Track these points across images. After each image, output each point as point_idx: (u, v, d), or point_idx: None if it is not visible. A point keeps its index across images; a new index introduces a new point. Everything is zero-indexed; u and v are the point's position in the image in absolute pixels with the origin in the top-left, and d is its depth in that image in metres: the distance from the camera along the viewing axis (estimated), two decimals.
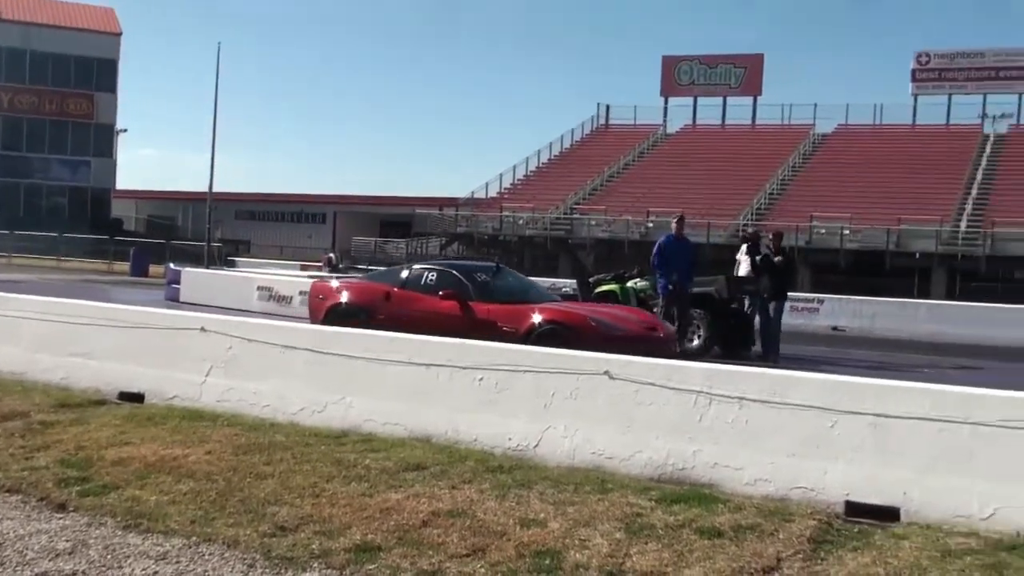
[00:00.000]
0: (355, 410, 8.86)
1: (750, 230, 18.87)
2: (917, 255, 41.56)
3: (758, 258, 16.28)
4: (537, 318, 12.90)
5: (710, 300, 16.17)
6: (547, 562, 5.54)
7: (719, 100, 59.24)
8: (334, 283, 15.61)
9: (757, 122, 57.89)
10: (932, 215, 41.91)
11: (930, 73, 54.56)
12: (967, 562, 5.62)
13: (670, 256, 15.31)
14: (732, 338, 16.05)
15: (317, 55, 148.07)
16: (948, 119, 54.12)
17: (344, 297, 14.64)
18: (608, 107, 62.21)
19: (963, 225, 43.04)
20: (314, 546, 5.65)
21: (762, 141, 54.52)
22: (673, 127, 60.35)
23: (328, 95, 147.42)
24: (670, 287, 15.20)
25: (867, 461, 6.81)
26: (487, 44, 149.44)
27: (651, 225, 44.17)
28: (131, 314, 11.10)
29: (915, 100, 54.95)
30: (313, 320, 14.34)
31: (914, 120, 54.80)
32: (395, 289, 14.22)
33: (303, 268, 36.24)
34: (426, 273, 14.27)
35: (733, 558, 5.64)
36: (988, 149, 50.67)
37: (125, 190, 74.57)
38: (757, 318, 16.13)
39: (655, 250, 15.65)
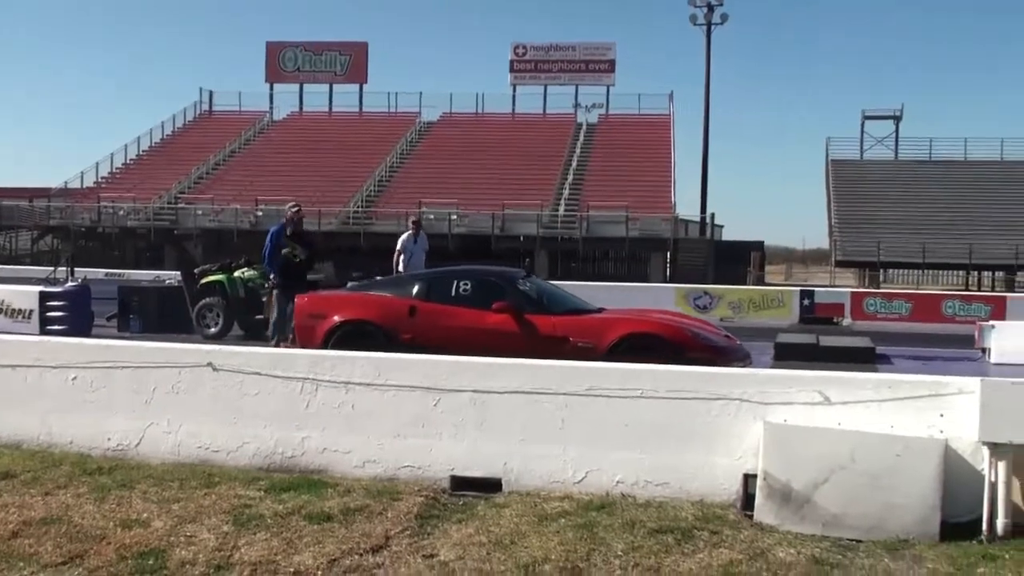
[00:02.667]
0: None
1: (413, 218, 18.86)
2: (521, 238, 43.78)
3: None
4: (623, 330, 11.05)
5: (222, 288, 16.50)
6: (151, 562, 5.40)
7: (325, 87, 59.19)
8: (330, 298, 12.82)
9: (364, 110, 58.29)
10: (533, 200, 44.15)
11: (527, 64, 57.07)
12: (561, 524, 6.03)
13: (284, 245, 14.99)
14: (250, 322, 16.04)
15: None
16: (545, 108, 56.83)
17: (351, 314, 11.91)
18: (211, 93, 60.47)
19: (562, 209, 45.64)
20: None
21: (369, 128, 55.07)
22: (279, 114, 59.57)
23: None
24: None
25: (469, 436, 7.12)
26: (73, 25, 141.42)
27: (260, 214, 43.55)
28: None
29: (514, 90, 57.37)
30: (305, 345, 11.66)
31: (513, 109, 57.16)
32: (419, 302, 11.87)
33: None
34: (456, 282, 12.03)
35: (343, 540, 5.73)
36: (582, 137, 53.83)
37: None
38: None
39: (268, 239, 15.30)
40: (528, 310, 11.51)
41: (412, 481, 6.97)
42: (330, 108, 58.99)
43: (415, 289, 12.15)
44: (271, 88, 59.83)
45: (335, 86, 59.08)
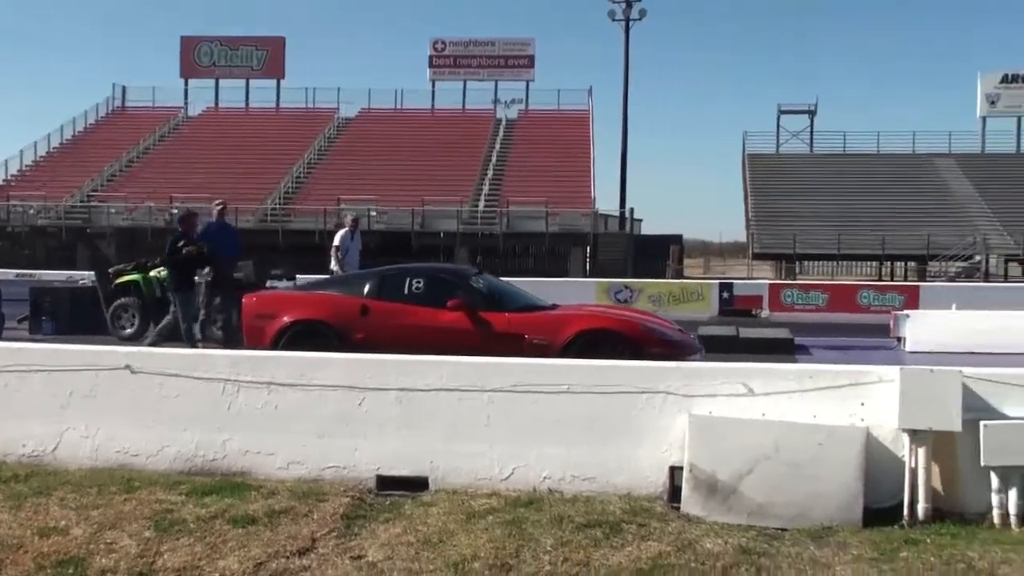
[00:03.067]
0: None
1: (350, 216, 18.62)
2: (441, 234, 43.70)
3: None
4: (579, 327, 10.96)
5: (138, 288, 16.20)
6: (70, 571, 5.30)
7: (242, 82, 58.42)
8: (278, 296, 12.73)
9: (281, 105, 57.70)
10: (453, 196, 44.14)
11: (446, 60, 57.00)
12: (490, 521, 6.01)
13: (214, 243, 14.57)
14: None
15: None
16: (464, 104, 56.89)
17: (302, 313, 11.70)
18: (124, 88, 59.29)
19: (482, 205, 45.70)
20: None
21: (287, 124, 54.48)
22: (195, 110, 58.70)
23: None
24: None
25: (394, 435, 7.06)
26: None
27: (175, 212, 42.81)
28: None
29: (433, 85, 57.23)
30: (253, 345, 11.34)
31: (433, 105, 57.05)
32: (371, 301, 11.65)
33: None
34: (408, 280, 11.82)
35: (268, 543, 5.65)
36: (501, 133, 53.99)
37: None
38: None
39: (198, 237, 14.82)
40: (482, 307, 11.38)
41: (338, 481, 6.89)
42: (247, 104, 58.30)
43: (367, 288, 11.98)
44: (186, 83, 58.90)
45: (252, 81, 58.36)
